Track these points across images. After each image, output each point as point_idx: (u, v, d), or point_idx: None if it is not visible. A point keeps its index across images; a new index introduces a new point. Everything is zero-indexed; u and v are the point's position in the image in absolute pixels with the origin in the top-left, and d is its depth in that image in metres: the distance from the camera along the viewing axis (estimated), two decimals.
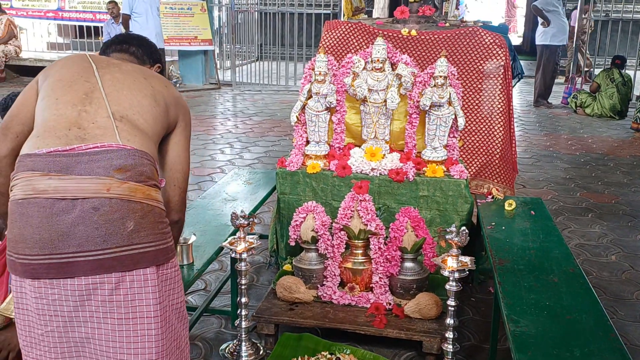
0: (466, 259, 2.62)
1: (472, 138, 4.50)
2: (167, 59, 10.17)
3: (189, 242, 2.68)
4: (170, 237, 1.81)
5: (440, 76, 3.37)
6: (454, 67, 4.41)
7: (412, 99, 3.48)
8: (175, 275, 1.81)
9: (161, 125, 1.89)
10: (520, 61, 15.21)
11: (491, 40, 4.39)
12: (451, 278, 2.57)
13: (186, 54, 10.51)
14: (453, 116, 3.42)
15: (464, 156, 4.54)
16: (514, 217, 3.28)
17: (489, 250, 2.82)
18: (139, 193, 1.68)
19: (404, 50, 4.51)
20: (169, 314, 1.78)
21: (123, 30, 10.32)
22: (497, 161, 4.46)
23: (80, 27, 12.28)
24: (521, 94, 10.85)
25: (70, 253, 1.62)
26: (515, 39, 18.75)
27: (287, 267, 3.39)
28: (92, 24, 11.67)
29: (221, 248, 2.81)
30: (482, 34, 4.41)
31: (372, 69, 3.47)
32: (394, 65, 3.51)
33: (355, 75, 3.50)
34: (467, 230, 2.57)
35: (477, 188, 4.56)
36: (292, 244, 3.24)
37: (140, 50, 2.18)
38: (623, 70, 9.21)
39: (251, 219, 2.75)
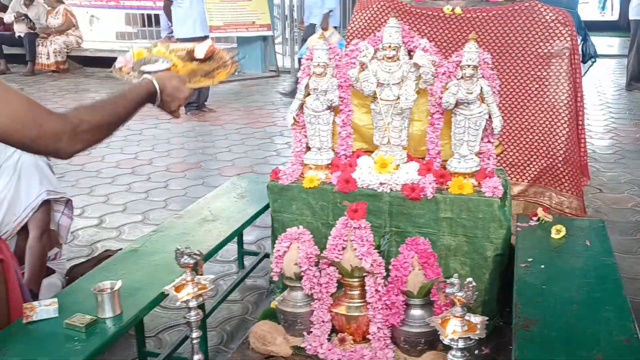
0: (476, 320, 1.92)
1: (531, 136, 3.72)
2: (224, 45, 9.68)
3: (115, 288, 2.11)
4: None
5: (469, 65, 2.63)
6: (507, 50, 3.69)
7: (433, 95, 2.76)
8: None
9: None
10: (616, 39, 13.81)
11: (553, 17, 3.59)
12: (454, 347, 1.88)
13: (244, 40, 10.01)
14: (486, 116, 2.67)
15: (520, 158, 3.77)
16: (562, 249, 2.51)
17: (514, 303, 2.09)
18: None
19: (446, 31, 3.78)
20: None
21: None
22: (560, 164, 3.67)
23: (149, 15, 12.08)
24: (612, 75, 9.67)
25: None
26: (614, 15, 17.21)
27: (274, 304, 2.78)
28: (152, 12, 11.39)
29: (164, 294, 2.22)
30: (542, 9, 3.61)
31: (383, 58, 2.78)
32: (411, 53, 2.80)
33: (363, 65, 2.82)
34: (474, 283, 1.86)
35: (536, 196, 3.79)
36: (276, 279, 2.63)
37: None
38: None
39: (199, 258, 2.15)
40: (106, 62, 11.17)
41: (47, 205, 3.04)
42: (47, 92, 9.30)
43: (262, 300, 3.25)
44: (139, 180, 5.15)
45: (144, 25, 12.42)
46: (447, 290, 1.88)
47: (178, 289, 2.16)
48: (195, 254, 2.13)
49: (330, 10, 8.02)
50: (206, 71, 2.05)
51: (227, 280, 3.43)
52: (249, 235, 3.96)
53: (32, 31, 10.82)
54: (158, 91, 1.78)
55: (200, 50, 2.08)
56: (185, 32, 7.46)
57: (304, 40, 8.40)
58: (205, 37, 7.62)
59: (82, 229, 4.16)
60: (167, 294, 2.19)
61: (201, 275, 2.19)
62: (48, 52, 10.78)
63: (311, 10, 8.29)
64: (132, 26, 12.91)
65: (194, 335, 2.21)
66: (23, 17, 10.91)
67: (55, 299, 2.11)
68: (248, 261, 3.59)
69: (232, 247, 3.64)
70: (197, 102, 7.65)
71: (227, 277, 3.48)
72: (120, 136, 6.57)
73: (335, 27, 8.27)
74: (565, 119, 3.63)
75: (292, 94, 7.81)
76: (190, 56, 2.10)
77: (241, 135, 6.67)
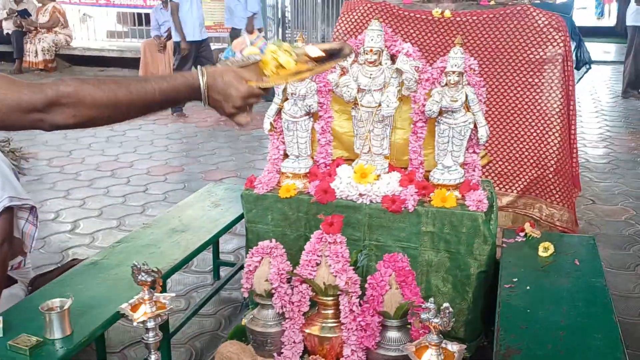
0: (454, 348, 1.77)
1: (521, 145, 3.59)
2: (214, 46, 9.48)
3: (65, 307, 1.96)
4: None
5: (454, 72, 2.49)
6: (498, 55, 3.54)
7: (416, 102, 2.61)
8: None
9: None
10: (612, 45, 13.70)
11: (546, 22, 3.46)
12: None
13: None
14: (472, 125, 2.52)
15: (510, 168, 3.63)
16: (549, 268, 2.36)
17: (496, 328, 1.94)
18: None
19: (435, 35, 3.64)
20: None
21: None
22: (551, 175, 3.53)
23: (139, 14, 11.93)
24: (608, 82, 9.54)
25: None
26: (611, 21, 17.16)
27: (244, 322, 2.62)
28: (142, 11, 11.23)
29: (120, 313, 2.06)
30: (535, 14, 3.48)
31: (364, 62, 2.63)
32: (394, 58, 2.65)
33: (343, 70, 2.67)
34: (451, 309, 1.71)
35: (526, 208, 3.66)
36: (246, 295, 2.48)
37: None
38: None
39: (157, 276, 1.99)
40: (95, 61, 11.02)
41: (9, 212, 2.87)
42: None
43: (236, 314, 3.09)
44: (117, 184, 4.99)
45: (134, 24, 12.27)
46: (422, 316, 1.73)
47: (135, 308, 2.01)
48: (153, 271, 1.98)
49: (254, 13, 7.98)
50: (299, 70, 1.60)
51: (201, 292, 3.27)
52: (227, 244, 3.81)
53: (20, 29, 10.65)
54: (202, 85, 1.42)
55: (314, 50, 1.65)
56: (188, 35, 7.34)
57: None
58: (204, 41, 7.45)
59: (54, 235, 4.00)
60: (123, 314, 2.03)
61: (160, 293, 2.03)
62: (36, 50, 10.60)
63: (232, 14, 8.19)
64: (123, 25, 12.77)
65: (153, 358, 2.06)
66: (16, 14, 10.74)
67: (0, 317, 1.95)
68: (225, 272, 3.44)
69: (208, 257, 3.49)
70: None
71: (200, 289, 3.32)
72: (102, 137, 6.42)
73: (259, 30, 8.33)
74: (557, 127, 3.49)
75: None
76: (307, 57, 1.65)
77: (227, 137, 6.51)
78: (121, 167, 5.46)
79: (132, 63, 10.56)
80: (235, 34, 8.21)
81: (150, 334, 2.02)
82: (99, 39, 12.22)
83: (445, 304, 1.71)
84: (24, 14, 10.78)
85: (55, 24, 10.78)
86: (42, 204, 4.54)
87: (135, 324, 1.98)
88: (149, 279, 1.99)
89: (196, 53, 7.46)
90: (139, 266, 1.99)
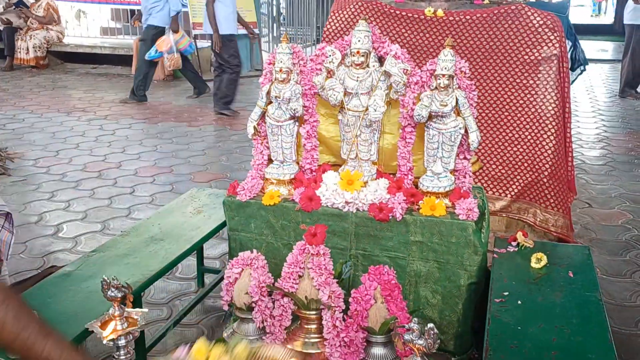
0: None
1: (515, 149, 3.50)
2: (208, 43, 9.33)
3: None
4: None
5: (444, 75, 2.38)
6: (492, 56, 3.45)
7: (405, 107, 2.50)
8: None
9: None
10: (610, 43, 13.62)
11: (541, 22, 3.36)
12: None
13: None
14: (462, 130, 2.42)
15: (503, 172, 3.54)
16: (542, 280, 2.26)
17: (485, 348, 1.84)
18: None
19: (427, 35, 3.54)
20: None
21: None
22: (546, 179, 3.45)
23: (132, 11, 11.80)
24: (606, 81, 9.43)
25: None
26: (608, 18, 17.08)
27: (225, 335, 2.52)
28: (136, 7, 11.09)
29: (87, 331, 1.96)
30: (530, 13, 3.38)
31: (351, 65, 2.52)
32: (382, 59, 2.55)
33: (329, 72, 2.57)
34: (435, 331, 1.61)
35: (520, 212, 3.58)
36: (226, 308, 2.38)
37: None
38: None
39: (127, 291, 1.89)
40: (87, 58, 10.89)
41: None
42: (24, 89, 9.01)
43: (219, 324, 2.99)
44: (104, 185, 4.88)
45: (128, 21, 12.13)
46: (405, 337, 1.63)
47: (104, 324, 1.90)
48: (123, 286, 1.88)
49: (178, 12, 7.89)
50: None
51: (184, 300, 3.16)
52: (213, 249, 3.71)
53: (10, 25, 10.52)
54: None
55: None
56: (230, 28, 7.11)
57: (142, 41, 8.14)
58: (233, 36, 7.16)
59: (36, 239, 3.89)
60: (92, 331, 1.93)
61: (131, 308, 1.93)
62: (27, 46, 10.47)
63: (150, 12, 7.97)
64: (116, 22, 12.63)
65: None
66: (13, 7, 10.62)
67: None
68: (210, 278, 3.33)
69: (192, 262, 3.39)
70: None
71: (184, 297, 3.22)
72: (91, 137, 6.31)
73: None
74: (552, 130, 3.40)
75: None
76: None
77: (218, 137, 6.39)
78: (109, 167, 5.35)
79: (124, 60, 10.47)
80: (149, 32, 8.00)
81: (122, 352, 1.92)
82: (93, 35, 12.09)
83: (430, 325, 1.61)
84: (20, 4, 10.66)
85: (50, 21, 10.65)
86: (25, 206, 4.44)
87: (105, 342, 1.89)
88: (119, 295, 1.89)
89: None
90: (108, 281, 1.90)
